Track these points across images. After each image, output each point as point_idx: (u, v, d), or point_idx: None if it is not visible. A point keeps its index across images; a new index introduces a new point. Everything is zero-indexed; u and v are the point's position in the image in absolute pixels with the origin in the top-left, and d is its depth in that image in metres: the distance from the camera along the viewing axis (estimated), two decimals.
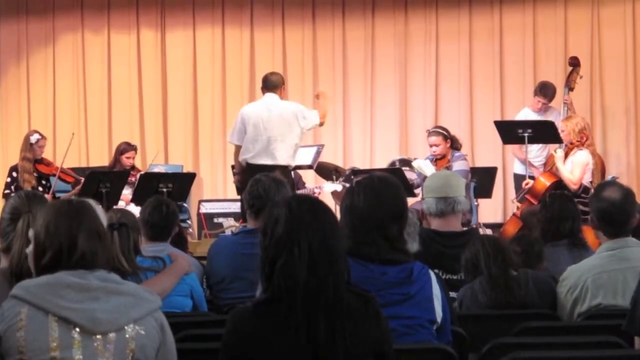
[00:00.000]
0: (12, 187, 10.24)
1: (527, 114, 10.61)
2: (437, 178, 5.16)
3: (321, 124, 9.54)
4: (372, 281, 3.49)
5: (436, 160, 9.96)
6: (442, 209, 5.00)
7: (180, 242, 6.07)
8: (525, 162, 10.39)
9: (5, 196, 10.19)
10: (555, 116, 10.53)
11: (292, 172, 10.37)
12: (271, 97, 9.28)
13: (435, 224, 5.03)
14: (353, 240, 3.58)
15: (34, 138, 10.41)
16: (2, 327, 3.00)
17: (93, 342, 2.99)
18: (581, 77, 10.66)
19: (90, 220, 3.15)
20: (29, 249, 3.23)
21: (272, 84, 9.35)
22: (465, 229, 5.28)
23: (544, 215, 5.88)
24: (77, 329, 2.98)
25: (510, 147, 11.17)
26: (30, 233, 3.25)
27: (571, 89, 10.38)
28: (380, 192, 3.64)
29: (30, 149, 10.35)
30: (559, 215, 5.78)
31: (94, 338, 2.99)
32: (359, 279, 3.24)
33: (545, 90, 10.63)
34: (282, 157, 9.15)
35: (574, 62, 10.58)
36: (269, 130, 9.16)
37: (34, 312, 2.98)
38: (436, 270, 4.31)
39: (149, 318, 3.09)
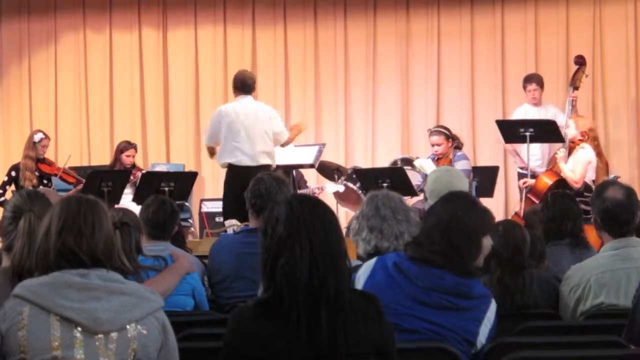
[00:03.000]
0: (7, 188, 10.24)
1: (526, 109, 10.62)
2: (442, 184, 5.09)
3: (283, 145, 9.51)
4: (426, 278, 3.53)
5: (438, 159, 9.97)
6: None
7: (177, 239, 6.05)
8: (520, 161, 10.40)
9: None
10: (554, 111, 10.54)
11: (294, 172, 10.38)
12: (249, 99, 9.32)
13: None
14: (427, 248, 3.67)
15: (37, 137, 10.42)
16: (4, 327, 3.00)
17: (95, 342, 2.99)
18: (587, 76, 10.65)
19: (95, 218, 3.15)
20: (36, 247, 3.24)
21: (248, 87, 9.33)
22: None
23: (545, 214, 5.87)
24: (79, 329, 2.98)
25: (507, 148, 11.17)
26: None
27: (576, 88, 10.36)
28: (467, 213, 3.76)
29: (33, 148, 10.36)
30: (560, 214, 5.77)
31: (95, 337, 2.99)
32: (414, 271, 3.25)
33: (530, 78, 10.71)
34: (263, 156, 9.14)
35: (580, 61, 10.55)
36: (249, 130, 9.16)
37: (35, 312, 2.98)
38: None
39: (150, 318, 3.09)
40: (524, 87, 10.78)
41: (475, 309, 3.65)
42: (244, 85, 9.34)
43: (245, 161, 9.13)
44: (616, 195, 4.60)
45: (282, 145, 9.51)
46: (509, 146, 10.77)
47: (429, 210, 3.81)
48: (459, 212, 3.74)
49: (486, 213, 3.85)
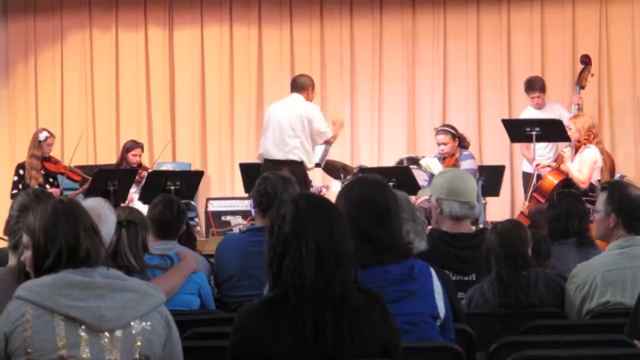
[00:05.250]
0: (20, 186, 10.24)
1: (531, 113, 10.60)
2: (459, 181, 5.04)
3: (329, 142, 9.82)
4: (373, 279, 3.48)
5: (444, 158, 9.96)
6: (465, 213, 4.96)
7: (189, 240, 6.06)
8: (532, 162, 10.37)
9: (13, 196, 10.15)
10: (560, 111, 10.53)
11: None
12: (294, 96, 9.53)
13: (448, 226, 4.99)
14: (372, 248, 3.58)
15: (42, 136, 10.41)
16: (8, 328, 3.01)
17: (100, 340, 3.00)
18: (592, 76, 10.63)
19: (86, 217, 3.16)
20: (25, 255, 3.23)
21: (296, 85, 9.62)
22: (475, 230, 5.23)
23: (552, 213, 5.86)
24: (84, 327, 2.99)
25: (519, 147, 11.13)
26: (25, 239, 3.24)
27: (582, 87, 10.35)
28: (360, 197, 3.62)
29: (39, 147, 10.35)
30: (566, 213, 5.77)
31: (100, 335, 3.00)
32: (360, 276, 3.23)
33: (532, 85, 10.64)
34: (293, 152, 9.23)
35: (586, 61, 10.52)
36: (282, 125, 9.27)
37: (39, 312, 2.99)
38: (446, 272, 4.30)
39: (154, 313, 3.10)
40: (526, 93, 10.75)
41: (424, 285, 3.62)
42: (292, 83, 9.72)
43: (272, 154, 9.27)
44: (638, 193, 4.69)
45: (328, 143, 9.82)
46: (527, 154, 10.67)
47: (349, 205, 3.63)
48: (389, 196, 3.69)
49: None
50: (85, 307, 2.99)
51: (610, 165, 9.40)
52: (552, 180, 9.29)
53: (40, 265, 3.11)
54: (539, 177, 9.64)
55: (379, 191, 3.65)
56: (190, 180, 10.01)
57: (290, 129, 9.28)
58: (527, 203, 9.66)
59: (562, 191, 6.43)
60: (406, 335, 3.49)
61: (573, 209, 5.81)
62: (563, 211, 5.78)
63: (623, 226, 4.69)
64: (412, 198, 7.88)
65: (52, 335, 2.97)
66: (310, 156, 9.45)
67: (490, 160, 12.06)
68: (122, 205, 8.69)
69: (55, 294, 3.00)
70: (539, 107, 10.58)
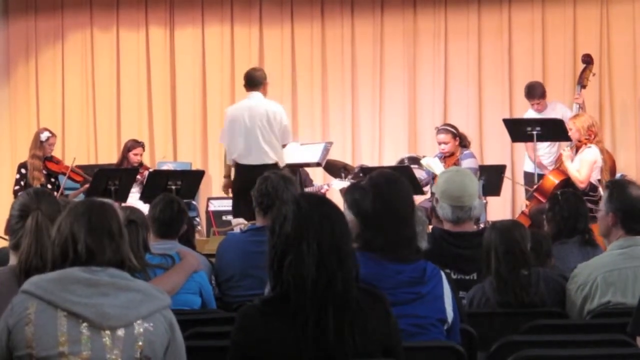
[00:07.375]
0: (22, 183, 10.24)
1: (533, 114, 10.59)
2: (454, 184, 5.01)
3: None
4: (386, 279, 3.49)
5: (445, 157, 9.95)
6: (459, 216, 4.95)
7: (188, 240, 6.04)
8: (535, 161, 10.38)
9: (15, 193, 10.16)
10: (562, 110, 10.52)
11: (300, 169, 10.37)
12: (255, 95, 9.30)
13: (449, 225, 4.99)
14: (364, 237, 3.59)
15: (44, 136, 10.41)
16: (12, 321, 3.03)
17: (101, 338, 3.00)
18: (594, 75, 10.63)
19: (100, 219, 3.16)
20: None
21: (253, 82, 9.35)
22: (477, 229, 5.22)
23: (559, 213, 5.83)
24: (86, 324, 2.99)
25: (524, 146, 11.12)
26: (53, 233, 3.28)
27: (584, 87, 10.34)
28: (387, 190, 3.64)
29: (40, 147, 10.35)
30: (575, 213, 5.75)
31: (102, 333, 3.00)
32: (373, 276, 3.24)
33: (532, 92, 10.63)
34: (269, 155, 9.12)
35: (587, 60, 10.52)
36: (250, 129, 9.14)
37: (43, 307, 3.00)
38: (447, 271, 4.30)
39: (157, 315, 3.09)
40: (527, 99, 10.74)
41: (434, 289, 3.63)
42: (249, 80, 9.38)
43: (246, 159, 9.13)
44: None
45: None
46: (531, 153, 10.67)
47: (360, 200, 3.68)
48: (410, 193, 3.73)
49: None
50: (89, 303, 3.00)
51: (610, 165, 9.40)
52: (552, 180, 9.29)
53: (55, 262, 3.13)
54: (540, 176, 9.64)
55: (403, 186, 3.69)
56: (191, 179, 10.01)
57: (260, 132, 9.13)
58: (528, 202, 9.66)
59: (566, 190, 6.42)
60: (414, 337, 3.50)
61: (579, 208, 5.80)
62: (572, 210, 5.76)
63: (621, 226, 4.68)
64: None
65: (54, 330, 2.98)
66: (282, 154, 9.34)
67: (491, 160, 12.06)
68: (122, 204, 8.69)
69: (60, 289, 3.01)
70: (540, 112, 10.57)
